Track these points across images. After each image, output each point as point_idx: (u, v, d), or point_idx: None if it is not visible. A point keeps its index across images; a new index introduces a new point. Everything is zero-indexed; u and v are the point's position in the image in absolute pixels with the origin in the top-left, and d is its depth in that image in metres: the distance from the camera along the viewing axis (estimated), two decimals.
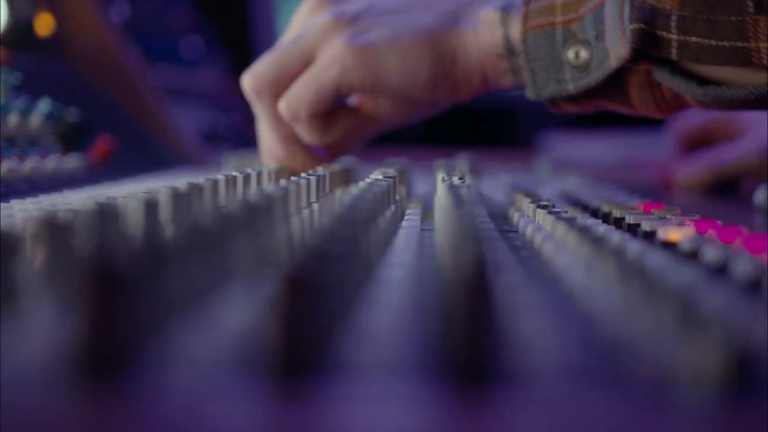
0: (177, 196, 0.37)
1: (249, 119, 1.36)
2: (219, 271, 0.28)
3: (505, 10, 0.61)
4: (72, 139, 0.77)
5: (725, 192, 0.95)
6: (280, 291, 0.21)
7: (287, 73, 0.63)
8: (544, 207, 0.50)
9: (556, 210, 0.49)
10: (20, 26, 0.96)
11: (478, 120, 2.51)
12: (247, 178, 0.53)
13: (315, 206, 0.46)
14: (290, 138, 0.66)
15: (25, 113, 0.71)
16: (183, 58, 1.34)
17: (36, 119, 0.71)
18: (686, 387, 0.20)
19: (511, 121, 2.51)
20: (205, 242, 0.27)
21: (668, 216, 0.50)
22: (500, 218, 0.58)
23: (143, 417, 0.19)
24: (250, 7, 1.71)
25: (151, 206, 0.32)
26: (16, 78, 0.77)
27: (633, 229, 0.48)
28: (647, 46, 0.54)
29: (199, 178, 0.51)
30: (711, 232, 0.43)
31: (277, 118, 0.65)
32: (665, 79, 0.55)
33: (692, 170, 0.98)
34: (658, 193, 0.96)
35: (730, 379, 0.20)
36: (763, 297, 0.30)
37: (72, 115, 0.78)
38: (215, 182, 0.49)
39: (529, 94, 0.61)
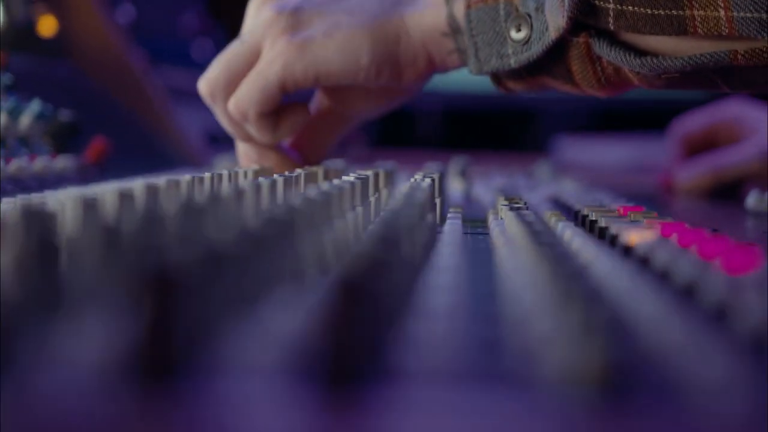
0: (125, 197, 0.37)
1: None
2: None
3: None
4: (64, 139, 0.77)
5: (728, 196, 0.94)
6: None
7: (237, 74, 0.63)
8: (514, 208, 0.50)
9: (519, 209, 0.49)
10: (20, 27, 0.96)
11: (495, 124, 2.51)
12: (216, 178, 0.54)
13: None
14: (246, 136, 0.66)
15: (15, 114, 0.71)
16: (194, 59, 1.34)
17: (26, 120, 0.72)
18: (566, 389, 0.20)
19: (530, 124, 2.51)
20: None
21: (641, 219, 0.50)
22: (479, 221, 0.58)
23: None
24: None
25: (89, 206, 0.32)
26: (8, 79, 0.77)
27: (602, 233, 0.48)
28: (585, 16, 0.54)
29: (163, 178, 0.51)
30: (674, 236, 0.42)
31: (231, 120, 0.65)
32: (604, 51, 0.55)
33: (692, 174, 0.97)
34: (658, 197, 0.96)
35: (608, 383, 0.19)
36: (698, 300, 0.30)
37: (65, 115, 0.78)
38: (177, 182, 0.49)
39: (472, 68, 0.60)
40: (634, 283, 0.30)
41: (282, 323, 0.25)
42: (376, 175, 0.57)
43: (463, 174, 0.78)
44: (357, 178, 0.51)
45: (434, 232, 0.46)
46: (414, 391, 0.21)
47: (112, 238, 0.26)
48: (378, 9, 0.62)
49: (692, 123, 1.04)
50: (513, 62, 0.59)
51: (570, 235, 0.45)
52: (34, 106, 0.74)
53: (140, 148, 1.08)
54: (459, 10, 0.60)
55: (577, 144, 1.68)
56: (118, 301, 0.24)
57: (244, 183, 0.46)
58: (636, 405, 0.19)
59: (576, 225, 0.51)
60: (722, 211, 0.79)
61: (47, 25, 1.03)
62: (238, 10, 1.78)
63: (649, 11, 0.53)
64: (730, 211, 0.77)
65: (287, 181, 0.51)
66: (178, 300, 0.21)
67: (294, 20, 0.62)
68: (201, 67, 1.33)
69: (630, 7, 0.53)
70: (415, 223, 0.34)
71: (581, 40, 0.56)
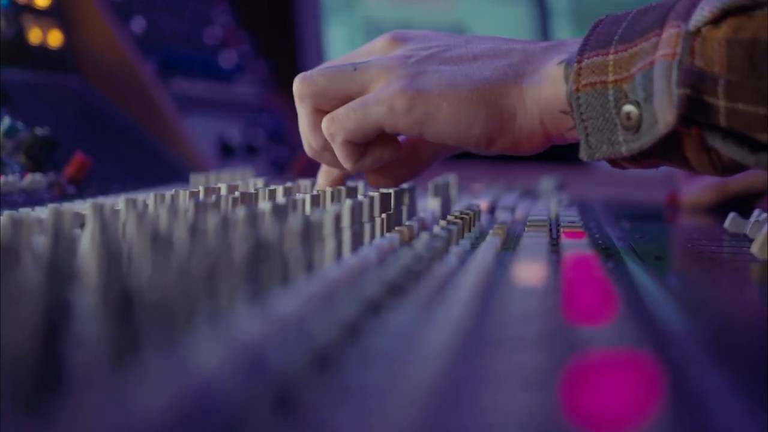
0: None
1: (273, 132, 1.36)
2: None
3: (570, 65, 0.58)
4: (42, 156, 0.77)
5: (735, 210, 0.91)
6: None
7: (335, 93, 0.63)
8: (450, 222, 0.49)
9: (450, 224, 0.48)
10: (24, 41, 0.97)
11: None
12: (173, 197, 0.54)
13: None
14: (320, 150, 0.65)
15: None
16: (217, 70, 1.34)
17: None
18: None
19: None
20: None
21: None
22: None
23: None
24: (290, 22, 1.72)
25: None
26: None
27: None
28: (695, 113, 0.52)
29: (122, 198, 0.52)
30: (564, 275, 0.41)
31: (311, 127, 0.64)
32: (717, 144, 0.53)
33: (697, 190, 0.94)
34: (661, 212, 0.93)
35: None
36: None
37: (41, 130, 0.78)
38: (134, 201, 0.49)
39: (582, 155, 0.58)
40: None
41: None
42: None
43: (443, 192, 0.76)
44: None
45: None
46: None
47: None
48: (497, 77, 0.61)
49: None
50: (624, 150, 0.56)
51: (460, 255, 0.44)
52: (4, 122, 0.74)
53: (146, 160, 1.08)
54: (569, 90, 0.58)
55: None
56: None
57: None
58: None
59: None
60: (702, 232, 0.77)
61: (54, 38, 1.04)
62: (266, 21, 1.78)
63: (761, 111, 0.51)
64: (710, 232, 0.74)
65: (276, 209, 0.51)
66: None
67: (415, 71, 0.61)
68: (224, 78, 1.33)
69: (741, 105, 0.51)
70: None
71: (693, 132, 0.54)
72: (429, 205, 0.76)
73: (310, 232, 0.42)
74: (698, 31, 0.52)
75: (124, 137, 1.08)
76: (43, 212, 0.58)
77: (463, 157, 0.73)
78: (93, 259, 0.34)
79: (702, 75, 0.52)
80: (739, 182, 0.92)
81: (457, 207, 0.80)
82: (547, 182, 1.02)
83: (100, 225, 0.39)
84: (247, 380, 0.24)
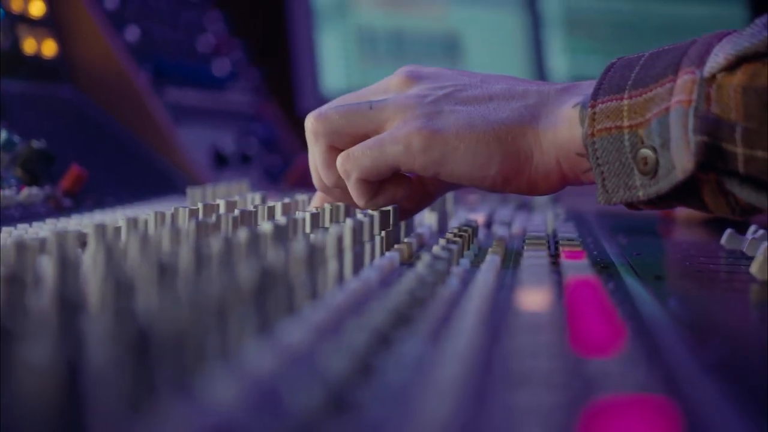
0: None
1: (267, 143, 1.36)
2: None
3: (585, 107, 0.59)
4: (38, 169, 0.77)
5: (731, 226, 0.91)
6: None
7: (351, 131, 0.63)
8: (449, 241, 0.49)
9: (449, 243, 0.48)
10: (19, 51, 0.96)
11: None
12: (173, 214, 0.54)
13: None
14: (332, 187, 0.65)
15: None
16: (210, 79, 1.34)
17: None
18: None
19: None
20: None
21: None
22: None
23: None
24: (285, 27, 1.72)
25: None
26: None
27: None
28: (713, 159, 0.52)
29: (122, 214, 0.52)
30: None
31: (324, 164, 0.64)
32: (735, 189, 0.53)
33: None
34: (652, 226, 0.93)
35: None
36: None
37: (37, 143, 0.78)
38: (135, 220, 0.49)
39: (600, 199, 0.59)
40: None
41: None
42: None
43: (440, 206, 0.76)
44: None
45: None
46: None
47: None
48: (513, 118, 0.61)
49: None
50: (642, 194, 0.57)
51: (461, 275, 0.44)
52: (2, 135, 0.74)
53: (140, 171, 1.08)
54: (585, 135, 0.58)
55: None
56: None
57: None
58: None
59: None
60: (699, 248, 0.77)
61: (47, 48, 1.04)
62: (259, 29, 1.77)
63: None
64: (707, 248, 0.74)
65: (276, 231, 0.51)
66: None
67: (432, 110, 0.61)
68: (217, 86, 1.33)
69: (759, 153, 0.51)
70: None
71: (711, 177, 0.54)
72: (426, 219, 0.76)
73: (314, 256, 0.42)
74: (713, 77, 0.52)
75: (118, 147, 1.08)
76: (42, 229, 0.58)
77: None
78: (100, 289, 0.34)
79: (718, 122, 0.52)
80: None
81: (453, 221, 0.80)
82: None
83: (105, 251, 0.39)
84: (265, 420, 0.24)
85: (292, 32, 1.70)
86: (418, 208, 0.68)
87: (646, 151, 0.56)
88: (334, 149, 0.64)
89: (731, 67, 0.52)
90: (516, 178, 0.61)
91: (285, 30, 1.72)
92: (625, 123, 0.56)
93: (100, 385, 0.23)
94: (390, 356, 0.31)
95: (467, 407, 0.27)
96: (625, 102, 0.57)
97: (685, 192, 0.55)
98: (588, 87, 0.60)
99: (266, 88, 1.48)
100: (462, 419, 0.26)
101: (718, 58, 0.53)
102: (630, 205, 0.59)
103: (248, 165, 1.28)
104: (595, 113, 0.57)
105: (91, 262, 0.40)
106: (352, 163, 0.62)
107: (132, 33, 1.18)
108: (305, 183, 1.21)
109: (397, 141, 0.61)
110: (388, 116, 0.62)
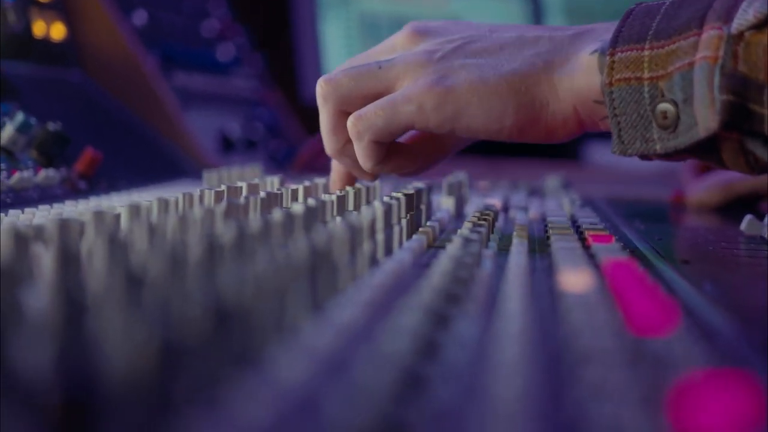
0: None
1: (272, 128, 1.35)
2: None
3: (603, 54, 0.58)
4: (53, 151, 0.77)
5: (742, 211, 0.91)
6: None
7: (361, 93, 0.62)
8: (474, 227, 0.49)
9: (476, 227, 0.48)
10: (30, 35, 0.96)
11: None
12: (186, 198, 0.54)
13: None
14: (340, 152, 0.64)
15: None
16: (214, 63, 1.34)
17: (8, 132, 0.71)
18: None
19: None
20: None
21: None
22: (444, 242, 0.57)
23: None
24: (288, 14, 1.71)
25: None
26: None
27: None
28: (738, 119, 0.52)
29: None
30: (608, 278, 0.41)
31: (332, 128, 0.63)
32: (758, 149, 0.53)
33: (703, 189, 0.94)
34: (667, 212, 0.94)
35: None
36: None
37: (53, 126, 0.77)
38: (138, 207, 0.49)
39: (615, 149, 0.58)
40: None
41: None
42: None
43: (456, 191, 0.76)
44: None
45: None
46: None
47: None
48: (527, 67, 0.60)
49: None
50: (659, 148, 0.56)
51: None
52: (17, 118, 0.73)
53: (149, 154, 1.07)
54: (602, 83, 0.57)
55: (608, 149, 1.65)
56: None
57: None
58: None
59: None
60: (718, 234, 0.77)
61: (56, 31, 1.03)
62: (264, 14, 1.77)
63: None
64: (727, 234, 0.74)
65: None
66: None
67: (442, 66, 0.60)
68: (221, 71, 1.33)
69: None
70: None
71: (734, 136, 0.53)
72: (443, 204, 0.76)
73: (354, 237, 0.41)
74: (741, 35, 0.51)
75: (127, 131, 1.08)
76: (48, 213, 0.58)
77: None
78: (157, 268, 0.33)
79: (746, 81, 0.51)
80: (744, 182, 0.92)
81: (469, 206, 0.80)
82: (552, 181, 1.02)
83: (147, 229, 0.39)
84: (339, 392, 0.24)
85: (295, 18, 1.70)
86: (433, 162, 0.67)
87: (666, 105, 0.55)
88: (342, 114, 0.63)
89: (761, 25, 0.51)
90: (532, 127, 0.60)
91: (288, 16, 1.71)
92: (646, 75, 0.55)
93: (176, 358, 0.23)
94: (449, 335, 0.31)
95: (537, 386, 0.26)
96: (646, 53, 0.55)
97: (704, 148, 0.55)
98: (604, 31, 0.59)
99: (269, 74, 1.48)
100: (533, 398, 0.25)
101: (747, 14, 0.51)
102: (644, 156, 0.58)
103: (254, 150, 1.28)
104: (614, 62, 0.56)
105: (138, 242, 0.39)
106: (363, 124, 0.61)
107: (139, 17, 1.17)
108: (313, 168, 1.21)
109: (409, 100, 0.60)
110: (397, 75, 0.61)
